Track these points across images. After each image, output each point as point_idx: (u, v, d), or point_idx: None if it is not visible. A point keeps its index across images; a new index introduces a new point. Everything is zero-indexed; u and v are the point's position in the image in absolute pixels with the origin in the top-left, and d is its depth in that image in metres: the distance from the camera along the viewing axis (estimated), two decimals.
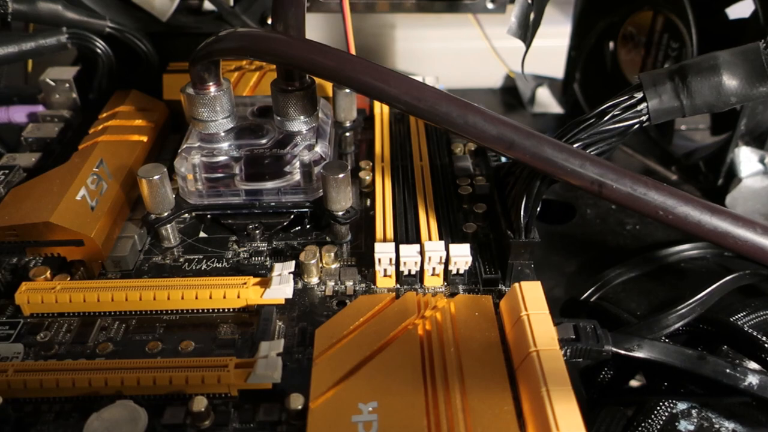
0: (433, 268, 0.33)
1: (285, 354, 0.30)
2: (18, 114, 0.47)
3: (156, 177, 0.35)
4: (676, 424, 0.31)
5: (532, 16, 0.43)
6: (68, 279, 0.34)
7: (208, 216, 0.39)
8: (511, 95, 0.69)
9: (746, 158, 0.47)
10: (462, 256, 0.33)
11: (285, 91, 0.37)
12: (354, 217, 0.36)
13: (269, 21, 0.51)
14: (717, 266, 0.43)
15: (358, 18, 0.66)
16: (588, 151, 0.30)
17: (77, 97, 0.47)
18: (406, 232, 0.36)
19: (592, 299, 0.41)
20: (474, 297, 0.32)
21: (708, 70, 0.29)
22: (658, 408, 0.30)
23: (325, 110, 0.41)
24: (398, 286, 0.34)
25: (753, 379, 0.30)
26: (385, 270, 0.33)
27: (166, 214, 0.37)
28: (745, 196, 0.47)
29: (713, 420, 0.31)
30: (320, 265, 0.35)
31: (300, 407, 0.27)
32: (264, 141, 0.37)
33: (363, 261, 0.36)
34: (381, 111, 0.47)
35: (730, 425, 0.31)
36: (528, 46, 0.45)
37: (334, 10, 0.56)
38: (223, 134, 0.37)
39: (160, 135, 0.44)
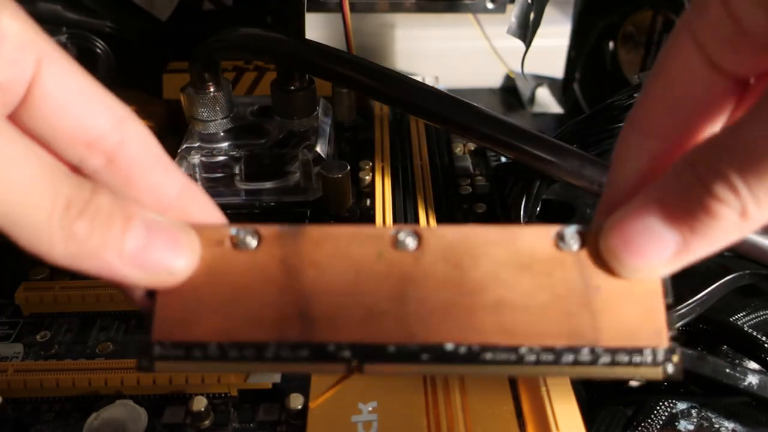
0: None
1: None
2: None
3: None
4: (676, 423, 0.31)
5: (532, 16, 0.43)
6: (68, 279, 0.34)
7: None
8: (510, 95, 0.69)
9: None
10: None
11: (285, 90, 0.37)
12: (353, 217, 0.36)
13: (269, 21, 0.51)
14: (717, 266, 0.43)
15: (358, 18, 0.66)
16: (588, 151, 0.30)
17: None
18: None
19: None
20: None
21: None
22: (658, 408, 0.30)
23: (325, 110, 0.41)
24: None
25: (753, 379, 0.30)
26: None
27: None
28: None
29: (713, 420, 0.31)
30: None
31: (300, 407, 0.27)
32: (264, 141, 0.37)
33: None
34: (381, 111, 0.47)
35: (730, 425, 0.31)
36: (528, 46, 0.45)
37: (334, 10, 0.56)
38: (222, 134, 0.37)
39: (160, 135, 0.44)
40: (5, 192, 0.14)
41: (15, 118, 0.16)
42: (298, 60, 0.33)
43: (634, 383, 0.35)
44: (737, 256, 0.32)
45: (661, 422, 0.30)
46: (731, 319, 0.35)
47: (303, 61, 0.33)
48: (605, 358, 0.17)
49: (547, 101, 0.67)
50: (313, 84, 0.38)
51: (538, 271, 0.17)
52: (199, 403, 0.27)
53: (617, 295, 0.17)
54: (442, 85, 0.57)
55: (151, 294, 0.17)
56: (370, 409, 0.26)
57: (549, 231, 0.17)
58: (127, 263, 0.16)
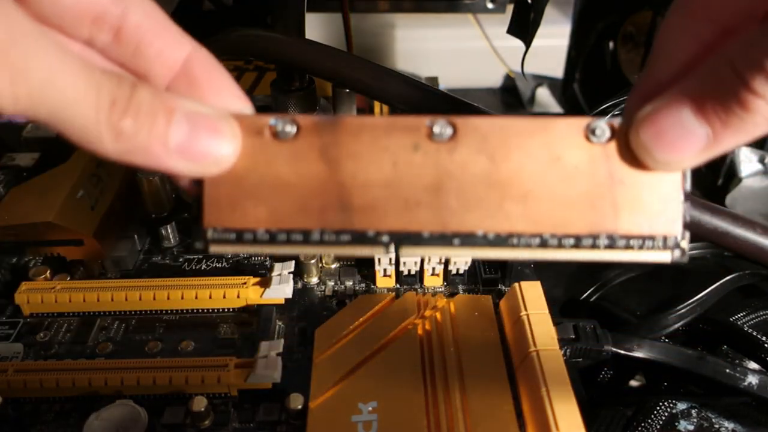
0: (433, 268, 0.33)
1: (285, 354, 0.30)
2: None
3: (156, 177, 0.35)
4: (676, 424, 0.31)
5: (531, 16, 0.43)
6: (68, 279, 0.34)
7: None
8: (510, 95, 0.69)
9: (746, 158, 0.47)
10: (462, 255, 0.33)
11: (285, 91, 0.37)
12: None
13: (269, 21, 0.51)
14: (717, 266, 0.43)
15: (358, 18, 0.66)
16: None
17: None
18: None
19: (592, 299, 0.41)
20: (474, 297, 0.32)
21: None
22: (658, 408, 0.30)
23: (325, 110, 0.41)
24: (398, 286, 0.34)
25: (753, 379, 0.30)
26: (384, 270, 0.33)
27: (165, 214, 0.37)
28: (745, 196, 0.47)
29: (713, 420, 0.31)
30: (320, 264, 0.35)
31: (300, 407, 0.27)
32: None
33: (363, 261, 0.36)
34: (381, 111, 0.47)
35: (730, 425, 0.31)
36: (528, 46, 0.45)
37: (334, 10, 0.56)
38: None
39: None
40: (52, 96, 0.15)
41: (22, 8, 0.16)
42: (297, 60, 0.33)
43: (634, 383, 0.35)
44: (737, 256, 0.32)
45: (661, 422, 0.30)
46: (731, 319, 0.35)
47: (301, 60, 0.33)
48: (621, 242, 0.18)
49: (547, 101, 0.67)
50: (313, 84, 0.38)
51: (566, 163, 0.18)
52: (199, 403, 0.27)
53: (639, 188, 0.18)
54: (443, 85, 0.57)
55: (198, 182, 0.18)
56: (370, 409, 0.26)
57: (581, 123, 0.18)
58: (173, 155, 0.17)
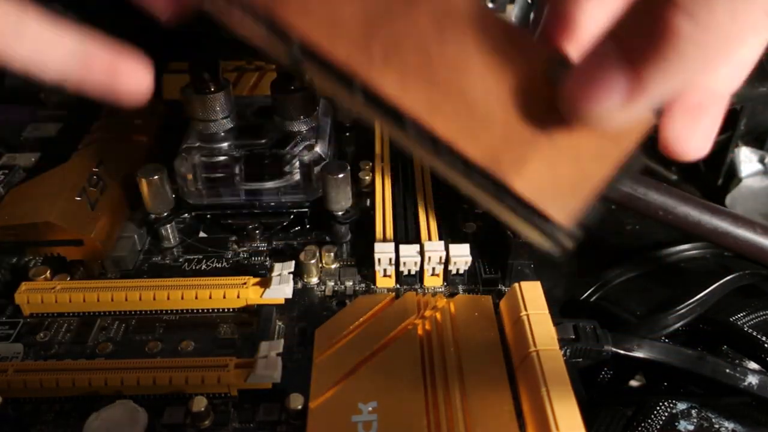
0: (433, 268, 0.33)
1: (285, 354, 0.30)
2: (18, 113, 0.47)
3: (156, 177, 0.35)
4: (676, 424, 0.31)
5: (531, 16, 0.43)
6: (68, 279, 0.34)
7: (208, 216, 0.39)
8: None
9: (746, 158, 0.47)
10: (462, 256, 0.33)
11: (285, 91, 0.37)
12: (353, 217, 0.36)
13: None
14: (717, 266, 0.43)
15: None
16: None
17: (78, 97, 0.47)
18: (406, 232, 0.35)
19: (592, 299, 0.41)
20: (474, 297, 0.32)
21: None
22: (658, 408, 0.30)
23: (325, 110, 0.41)
24: (398, 286, 0.34)
25: (753, 379, 0.30)
26: (384, 270, 0.33)
27: (166, 214, 0.37)
28: (744, 196, 0.47)
29: (713, 420, 0.31)
30: (320, 265, 0.35)
31: (300, 407, 0.27)
32: (264, 141, 0.37)
33: (363, 261, 0.36)
34: None
35: (730, 425, 0.31)
36: None
37: None
38: (222, 134, 0.37)
39: (159, 135, 0.44)
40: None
41: None
42: None
43: (634, 383, 0.35)
44: (737, 256, 0.32)
45: (661, 422, 0.30)
46: (731, 319, 0.35)
47: None
48: (507, 200, 0.16)
49: None
50: (314, 84, 0.37)
51: (512, 86, 0.15)
52: (199, 403, 0.27)
53: (561, 157, 0.15)
54: None
55: None
56: (370, 409, 0.26)
57: (546, 55, 0.16)
58: None
